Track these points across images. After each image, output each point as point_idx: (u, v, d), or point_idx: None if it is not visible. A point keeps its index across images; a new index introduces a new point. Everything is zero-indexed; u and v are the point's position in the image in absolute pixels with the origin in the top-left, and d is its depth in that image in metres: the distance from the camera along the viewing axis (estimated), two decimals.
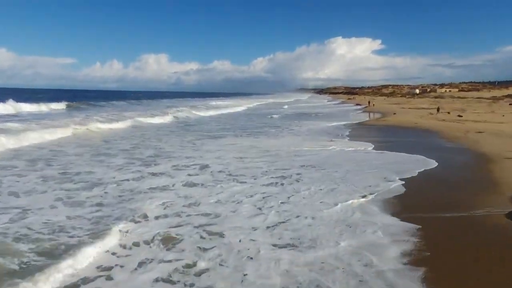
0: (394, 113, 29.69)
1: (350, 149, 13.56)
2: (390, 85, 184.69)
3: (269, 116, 30.75)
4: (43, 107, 33.91)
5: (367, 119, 26.98)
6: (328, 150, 13.18)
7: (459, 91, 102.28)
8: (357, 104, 51.47)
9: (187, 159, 11.53)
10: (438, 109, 29.21)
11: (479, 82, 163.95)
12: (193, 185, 8.52)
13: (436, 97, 62.46)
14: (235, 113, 35.52)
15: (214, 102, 55.87)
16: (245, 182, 8.72)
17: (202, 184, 8.54)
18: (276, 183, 8.64)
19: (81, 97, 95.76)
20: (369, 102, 40.34)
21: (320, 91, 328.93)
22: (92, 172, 9.51)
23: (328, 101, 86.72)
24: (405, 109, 34.93)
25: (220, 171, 9.87)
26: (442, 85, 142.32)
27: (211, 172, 9.83)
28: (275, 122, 25.98)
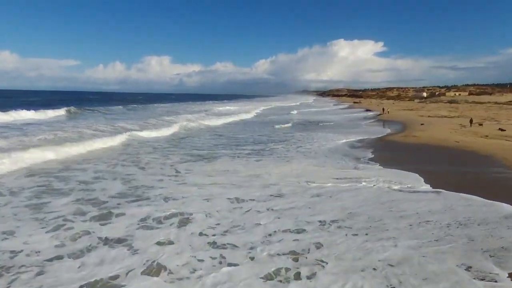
0: (422, 124, 25.28)
1: (392, 186, 9.53)
2: (394, 88, 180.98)
3: (277, 126, 27.38)
4: (41, 115, 31.96)
5: (388, 131, 23.29)
6: (359, 189, 9.32)
7: (469, 94, 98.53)
8: (367, 110, 47.85)
9: (164, 203, 8.27)
10: (471, 121, 24.66)
11: (484, 85, 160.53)
12: (157, 271, 5.21)
13: (450, 102, 58.68)
14: (240, 122, 32.06)
15: (220, 108, 52.04)
16: (236, 264, 5.42)
17: (170, 272, 5.21)
18: (285, 269, 5.29)
19: (82, 101, 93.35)
20: (383, 109, 36.41)
21: (323, 93, 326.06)
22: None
23: (334, 105, 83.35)
24: (426, 118, 31.06)
25: (203, 233, 6.59)
26: (448, 88, 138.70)
27: (191, 234, 6.57)
28: (283, 134, 22.57)
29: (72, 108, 38.97)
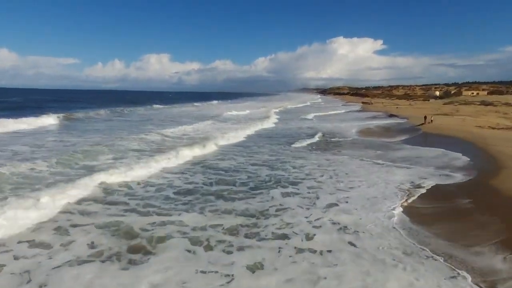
0: None
1: None
2: (400, 86, 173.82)
3: (295, 145, 20.31)
4: (29, 125, 26.74)
5: (468, 161, 14.84)
6: None
7: (488, 94, 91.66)
8: (392, 116, 40.85)
9: None
10: None
11: (484, 82, 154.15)
12: None
13: (486, 104, 51.64)
14: (255, 135, 25.04)
15: (230, 112, 43.92)
16: None
17: None
18: None
19: (69, 102, 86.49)
20: (425, 118, 28.79)
21: (323, 91, 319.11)
22: None
23: (343, 105, 76.58)
24: (495, 132, 22.57)
25: None
26: (458, 86, 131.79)
27: None
28: (299, 166, 15.39)
29: (64, 116, 32.93)
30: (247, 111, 48.74)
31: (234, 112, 43.92)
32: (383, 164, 14.83)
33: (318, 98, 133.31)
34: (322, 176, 12.96)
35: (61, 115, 33.63)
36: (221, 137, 21.28)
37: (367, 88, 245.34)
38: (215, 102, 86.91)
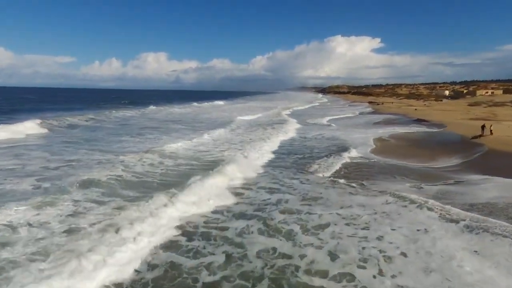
0: None
1: None
2: (402, 84, 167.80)
3: (321, 175, 14.05)
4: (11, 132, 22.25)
5: None
6: None
7: (504, 93, 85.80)
8: (419, 120, 34.53)
9: None
10: None
11: (483, 81, 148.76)
12: None
13: None
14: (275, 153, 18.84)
15: (242, 117, 36.99)
16: None
17: None
18: None
19: (68, 101, 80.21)
20: (483, 128, 21.94)
21: (323, 90, 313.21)
22: None
23: (349, 105, 70.62)
24: None
25: None
26: (465, 85, 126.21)
27: None
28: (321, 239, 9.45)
29: (47, 122, 26.86)
30: (259, 115, 42.85)
31: (247, 117, 37.79)
32: (468, 227, 8.47)
33: (321, 98, 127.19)
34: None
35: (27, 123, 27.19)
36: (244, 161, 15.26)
37: (367, 87, 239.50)
38: (220, 102, 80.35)
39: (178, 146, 18.68)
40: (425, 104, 61.67)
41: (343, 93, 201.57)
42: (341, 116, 45.03)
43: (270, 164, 15.39)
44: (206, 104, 70.35)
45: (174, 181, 12.04)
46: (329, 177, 13.30)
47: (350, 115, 46.97)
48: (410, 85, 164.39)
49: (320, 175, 13.64)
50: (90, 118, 33.01)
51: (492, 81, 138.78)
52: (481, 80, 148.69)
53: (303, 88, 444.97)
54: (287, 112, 49.26)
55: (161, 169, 13.70)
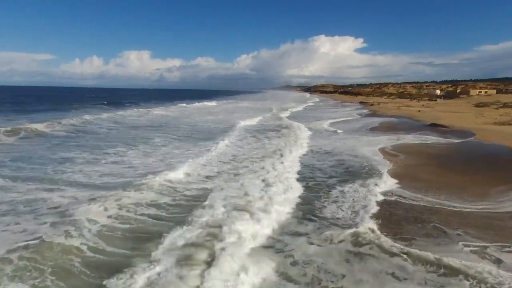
0: None
1: None
2: (389, 83, 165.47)
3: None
4: None
5: None
6: None
7: (497, 93, 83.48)
8: (438, 125, 29.91)
9: None
10: None
11: (462, 81, 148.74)
12: None
13: None
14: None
15: (243, 122, 31.52)
16: None
17: None
18: None
19: (44, 100, 72.96)
20: None
21: (308, 89, 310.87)
22: None
23: (341, 105, 66.34)
24: None
25: None
26: (454, 84, 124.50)
27: None
28: None
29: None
30: (259, 117, 37.84)
31: (248, 122, 32.56)
32: None
33: (310, 97, 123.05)
34: None
35: None
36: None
37: (352, 86, 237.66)
38: (211, 103, 74.53)
39: (167, 178, 12.20)
40: (423, 105, 57.89)
41: (330, 92, 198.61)
42: (341, 119, 40.39)
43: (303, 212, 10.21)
44: (196, 105, 64.67)
45: None
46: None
47: (349, 118, 42.39)
48: (397, 84, 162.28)
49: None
50: (49, 125, 26.96)
51: (470, 81, 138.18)
52: (460, 79, 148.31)
53: (288, 87, 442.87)
54: (286, 114, 44.27)
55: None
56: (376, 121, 36.34)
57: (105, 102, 65.91)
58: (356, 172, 14.26)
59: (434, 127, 28.44)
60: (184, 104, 63.20)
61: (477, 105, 49.25)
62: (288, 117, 40.53)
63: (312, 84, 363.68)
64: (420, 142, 21.71)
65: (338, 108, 63.03)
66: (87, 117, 31.39)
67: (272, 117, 40.14)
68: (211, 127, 29.93)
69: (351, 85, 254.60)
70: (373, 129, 28.95)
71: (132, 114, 37.51)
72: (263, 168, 14.33)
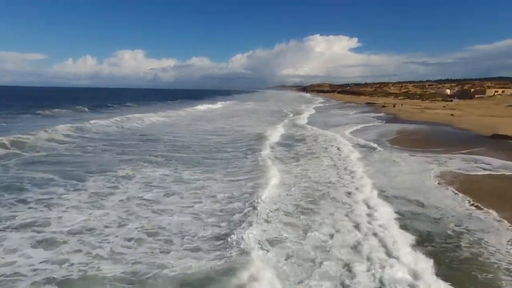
0: None
1: None
2: (390, 83, 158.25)
3: None
4: None
5: None
6: None
7: None
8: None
9: None
10: None
11: (456, 80, 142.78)
12: None
13: None
14: None
15: (271, 139, 22.50)
16: None
17: None
18: None
19: (25, 101, 65.66)
20: None
21: (304, 88, 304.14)
22: None
23: (347, 106, 59.01)
24: None
25: None
26: (457, 83, 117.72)
27: None
28: None
29: None
30: (279, 126, 30.64)
31: (271, 132, 25.00)
32: None
33: (310, 97, 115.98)
34: None
35: None
36: None
37: (348, 85, 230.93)
38: (216, 105, 66.21)
39: None
40: (444, 106, 50.76)
41: (327, 91, 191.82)
42: (361, 125, 32.98)
43: None
44: (200, 108, 56.32)
45: None
46: None
47: (369, 124, 35.02)
48: (398, 83, 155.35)
49: None
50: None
51: (465, 80, 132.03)
52: (454, 78, 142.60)
53: (283, 86, 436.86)
54: (303, 121, 36.56)
55: None
56: (405, 129, 28.99)
57: (89, 105, 57.85)
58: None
59: (498, 140, 21.07)
60: (189, 109, 53.65)
61: (510, 106, 42.14)
62: (308, 123, 33.54)
63: (307, 83, 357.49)
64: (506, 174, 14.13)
65: (346, 110, 55.74)
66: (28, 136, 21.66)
67: (289, 124, 33.22)
68: (223, 145, 21.51)
69: (347, 85, 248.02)
70: (414, 144, 21.46)
71: (107, 124, 29.58)
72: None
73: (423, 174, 13.81)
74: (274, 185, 11.74)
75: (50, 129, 23.58)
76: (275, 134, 24.45)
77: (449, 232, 8.62)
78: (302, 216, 9.22)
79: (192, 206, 10.12)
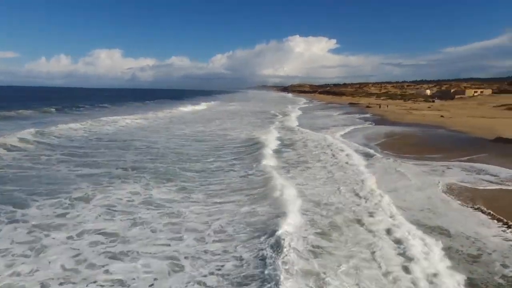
0: None
1: None
2: (370, 83, 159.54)
3: None
4: None
5: None
6: None
7: (493, 93, 77.79)
8: None
9: None
10: None
11: (430, 81, 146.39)
12: None
13: None
14: None
15: (268, 148, 18.57)
16: None
17: None
18: None
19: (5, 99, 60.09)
20: None
21: (285, 88, 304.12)
22: None
23: (330, 106, 57.57)
24: None
25: None
26: (437, 83, 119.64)
27: None
28: None
29: None
30: (273, 128, 28.50)
31: (265, 136, 22.16)
32: None
33: (292, 98, 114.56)
34: None
35: None
36: None
37: (328, 85, 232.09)
38: (200, 106, 62.12)
39: None
40: (429, 107, 50.07)
41: (308, 92, 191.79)
42: (351, 127, 31.13)
43: None
44: (183, 110, 52.53)
45: None
46: None
47: (358, 125, 33.28)
48: (378, 83, 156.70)
49: None
50: None
51: (438, 81, 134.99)
52: (428, 79, 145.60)
53: (264, 86, 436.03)
54: (294, 123, 34.26)
55: None
56: (397, 132, 27.29)
57: (57, 106, 53.37)
58: None
59: (502, 144, 19.57)
60: (168, 111, 49.70)
61: (497, 106, 41.68)
62: (299, 125, 31.48)
63: (287, 84, 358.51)
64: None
65: (330, 111, 54.17)
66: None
67: (280, 126, 30.98)
68: (204, 152, 19.08)
69: (327, 85, 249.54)
70: (411, 149, 19.64)
71: (72, 127, 26.05)
72: None
73: (431, 190, 11.76)
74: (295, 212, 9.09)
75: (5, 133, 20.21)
76: (270, 138, 21.90)
77: (498, 279, 6.49)
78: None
79: (168, 245, 7.58)
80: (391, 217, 8.95)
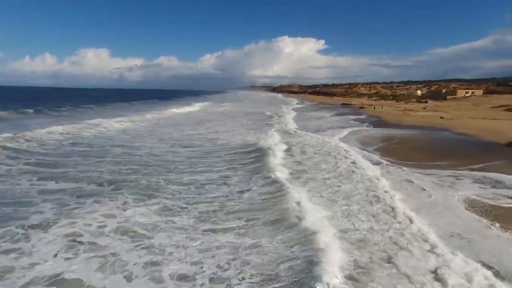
0: None
1: None
2: (359, 84, 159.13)
3: None
4: None
5: None
6: None
7: (484, 94, 77.56)
8: None
9: None
10: None
11: (416, 82, 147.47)
12: None
13: None
14: None
15: (279, 159, 16.03)
16: None
17: None
18: None
19: None
20: None
21: (274, 89, 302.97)
22: None
23: (322, 107, 55.99)
24: None
25: None
26: (425, 84, 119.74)
27: None
28: None
29: None
30: (273, 131, 26.69)
31: (270, 141, 19.84)
32: None
33: (284, 98, 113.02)
34: None
35: None
36: None
37: (317, 86, 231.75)
38: (193, 107, 59.80)
39: None
40: (424, 108, 48.96)
41: (298, 92, 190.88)
42: (349, 129, 29.46)
43: None
44: (175, 112, 49.79)
45: None
46: None
47: (355, 128, 31.64)
48: (367, 84, 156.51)
49: None
50: None
51: (425, 81, 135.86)
52: (415, 80, 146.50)
53: (253, 87, 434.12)
54: (293, 126, 32.26)
55: None
56: (399, 136, 25.64)
57: (36, 107, 50.23)
58: None
59: None
60: (157, 113, 46.88)
61: (494, 107, 40.70)
62: (298, 129, 29.58)
63: (276, 84, 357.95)
64: None
65: (323, 112, 52.59)
66: None
67: (279, 128, 28.90)
68: (195, 160, 17.02)
69: (316, 85, 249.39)
70: (419, 156, 17.97)
71: (47, 131, 23.57)
72: None
73: (456, 210, 10.01)
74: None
75: None
76: (274, 143, 19.87)
77: None
78: None
79: None
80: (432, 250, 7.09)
